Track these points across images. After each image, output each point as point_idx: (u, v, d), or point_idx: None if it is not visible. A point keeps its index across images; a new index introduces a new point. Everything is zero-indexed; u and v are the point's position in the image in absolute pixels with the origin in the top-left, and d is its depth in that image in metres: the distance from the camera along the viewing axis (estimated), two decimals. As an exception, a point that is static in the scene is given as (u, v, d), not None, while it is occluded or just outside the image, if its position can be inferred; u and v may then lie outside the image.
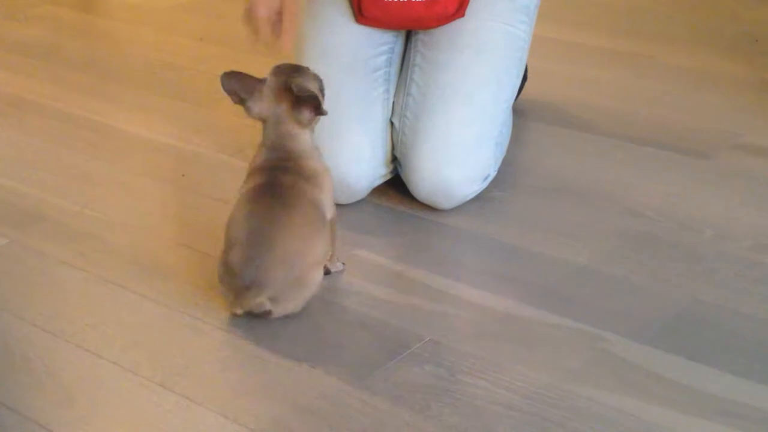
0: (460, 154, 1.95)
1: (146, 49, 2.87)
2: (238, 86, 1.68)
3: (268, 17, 1.78)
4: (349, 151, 1.95)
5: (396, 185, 2.06)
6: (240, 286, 1.61)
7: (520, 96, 2.40)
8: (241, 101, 1.69)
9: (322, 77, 1.75)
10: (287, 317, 1.65)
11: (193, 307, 1.72)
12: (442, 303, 1.72)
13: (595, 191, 2.08)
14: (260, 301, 1.62)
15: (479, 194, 2.01)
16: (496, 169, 2.05)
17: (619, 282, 1.76)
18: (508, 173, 2.09)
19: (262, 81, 1.70)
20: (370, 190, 2.04)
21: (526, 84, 2.40)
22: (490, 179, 2.04)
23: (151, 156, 2.26)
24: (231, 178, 2.15)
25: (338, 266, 1.81)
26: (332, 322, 1.68)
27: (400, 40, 2.08)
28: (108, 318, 1.69)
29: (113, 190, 2.12)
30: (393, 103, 2.04)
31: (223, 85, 1.68)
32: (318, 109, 1.66)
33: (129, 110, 2.49)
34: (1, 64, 2.83)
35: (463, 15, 1.99)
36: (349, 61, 1.98)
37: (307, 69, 1.74)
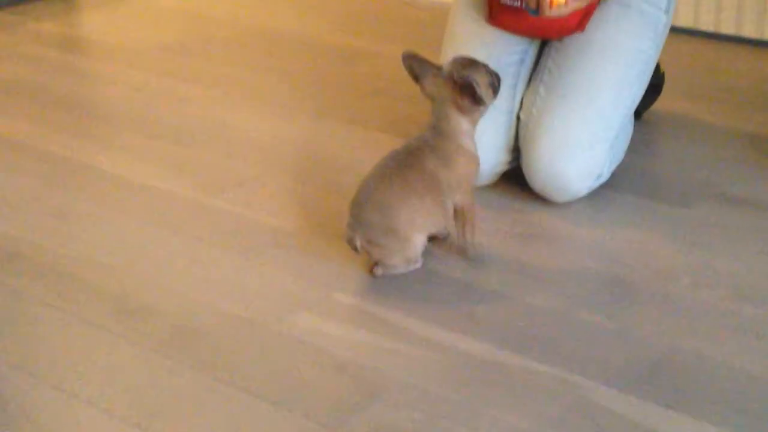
0: (575, 151, 2.12)
1: (129, 89, 2.87)
2: (416, 65, 1.92)
3: None
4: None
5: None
6: (347, 224, 1.89)
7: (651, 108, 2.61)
8: (416, 78, 1.92)
9: None
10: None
11: (170, 348, 1.71)
12: (420, 346, 1.72)
13: (573, 237, 2.09)
14: (351, 237, 1.87)
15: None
16: (610, 170, 2.22)
17: (598, 328, 1.77)
18: (490, 218, 2.10)
19: (438, 67, 1.92)
20: (493, 175, 2.23)
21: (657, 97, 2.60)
22: (603, 179, 2.21)
23: (132, 195, 2.26)
24: (211, 218, 2.15)
25: (474, 255, 1.96)
26: (309, 365, 1.67)
27: (535, 45, 2.28)
28: (84, 358, 1.69)
29: (92, 229, 2.12)
30: (522, 99, 2.23)
31: (403, 60, 1.92)
32: (475, 98, 1.88)
33: (110, 149, 2.49)
34: (-18, 102, 2.83)
35: (583, 30, 2.18)
36: (482, 55, 2.09)
37: (484, 65, 1.94)
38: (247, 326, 1.78)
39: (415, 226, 1.89)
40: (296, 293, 1.88)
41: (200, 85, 2.89)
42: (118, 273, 1.95)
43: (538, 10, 2.02)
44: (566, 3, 2.00)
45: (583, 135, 2.14)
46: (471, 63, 1.94)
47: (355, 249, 1.89)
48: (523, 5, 2.05)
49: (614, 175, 2.24)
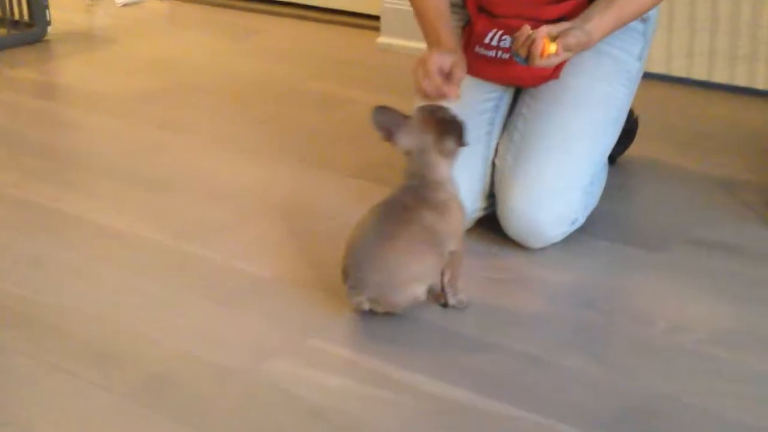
0: (550, 198, 2.14)
1: (105, 137, 2.87)
2: (388, 119, 1.90)
3: (439, 68, 2.03)
4: None
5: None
6: (348, 286, 1.86)
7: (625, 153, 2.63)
8: (389, 135, 1.90)
9: None
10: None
11: (146, 396, 1.70)
12: (397, 392, 1.71)
13: (549, 282, 2.09)
14: (359, 301, 1.86)
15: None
16: (585, 216, 2.23)
17: (574, 373, 1.77)
18: (466, 264, 2.10)
19: (408, 116, 1.91)
20: (470, 221, 2.22)
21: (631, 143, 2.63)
22: (578, 224, 2.22)
23: (108, 243, 2.26)
24: (187, 265, 2.14)
25: (459, 300, 1.96)
26: (286, 411, 1.67)
27: (510, 92, 2.30)
28: (59, 406, 1.68)
29: (69, 277, 2.11)
30: (498, 146, 2.24)
31: (374, 118, 1.90)
32: (461, 139, 1.90)
33: (86, 197, 2.49)
34: (-43, 149, 2.83)
35: (558, 77, 2.20)
36: (458, 102, 2.09)
37: (450, 110, 1.94)
38: (223, 373, 1.77)
39: (421, 281, 1.89)
40: (273, 339, 1.88)
41: (176, 133, 2.89)
42: (94, 321, 1.94)
43: (528, 59, 2.03)
44: (557, 53, 2.01)
45: (558, 182, 2.15)
46: (441, 108, 1.95)
47: (364, 310, 1.89)
48: (512, 54, 2.06)
49: (589, 220, 2.25)
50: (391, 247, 1.85)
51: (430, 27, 2.20)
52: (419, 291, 1.89)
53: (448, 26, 2.19)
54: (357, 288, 1.86)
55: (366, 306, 1.87)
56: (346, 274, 1.88)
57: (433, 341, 1.88)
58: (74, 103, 3.20)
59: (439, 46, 2.15)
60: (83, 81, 3.38)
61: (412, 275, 1.87)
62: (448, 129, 1.90)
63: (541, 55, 1.99)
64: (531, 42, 1.99)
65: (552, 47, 1.99)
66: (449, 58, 2.06)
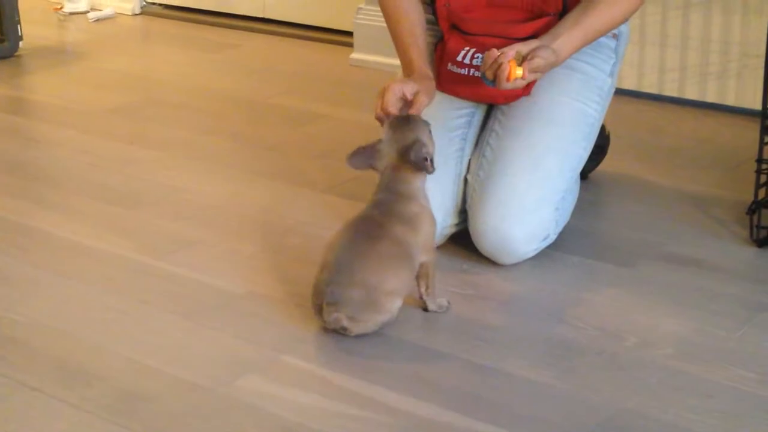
0: (521, 214, 2.14)
1: (74, 152, 2.86)
2: (363, 159, 1.95)
3: (401, 96, 2.04)
4: None
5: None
6: (324, 303, 1.86)
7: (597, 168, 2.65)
8: (369, 168, 1.96)
9: None
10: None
11: (115, 413, 1.69)
12: (368, 409, 1.71)
13: (520, 298, 2.10)
14: (337, 318, 1.86)
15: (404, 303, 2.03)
16: (557, 231, 2.23)
17: (544, 389, 1.77)
18: (438, 280, 2.10)
19: (378, 141, 1.95)
20: (442, 237, 2.22)
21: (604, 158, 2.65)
22: (550, 240, 2.22)
23: (77, 259, 2.24)
24: (157, 281, 2.14)
25: (438, 304, 2.00)
26: (257, 429, 1.66)
27: (482, 108, 2.30)
28: (29, 425, 1.66)
29: (37, 293, 2.10)
30: (470, 162, 2.25)
31: (351, 164, 1.96)
32: (427, 169, 1.92)
33: (55, 213, 2.48)
34: (-73, 164, 2.81)
35: (529, 93, 2.21)
36: (429, 119, 2.08)
37: (418, 117, 1.99)
38: (193, 390, 1.77)
39: (395, 295, 1.90)
40: (244, 356, 1.87)
41: (146, 148, 2.88)
42: (63, 337, 1.93)
43: (495, 81, 2.04)
44: (523, 77, 2.02)
45: (529, 198, 2.16)
46: (408, 120, 1.97)
47: (342, 329, 1.87)
48: (480, 75, 2.07)
49: (561, 236, 2.25)
50: (367, 263, 1.86)
51: (403, 52, 2.22)
52: (396, 305, 1.90)
53: (421, 51, 2.21)
54: (335, 305, 1.86)
55: (344, 323, 1.87)
56: (319, 292, 1.88)
57: (406, 357, 1.88)
58: (45, 118, 3.19)
59: (411, 71, 2.17)
60: (54, 96, 3.37)
61: (389, 289, 1.88)
62: (408, 156, 1.92)
63: (508, 79, 2.01)
64: (497, 66, 2.01)
65: (518, 71, 2.01)
66: (412, 86, 2.06)
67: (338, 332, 1.88)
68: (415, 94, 2.06)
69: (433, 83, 2.16)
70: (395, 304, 1.90)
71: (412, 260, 1.92)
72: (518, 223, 2.14)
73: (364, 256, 1.87)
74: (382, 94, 2.04)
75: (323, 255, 1.91)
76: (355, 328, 1.88)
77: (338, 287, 1.85)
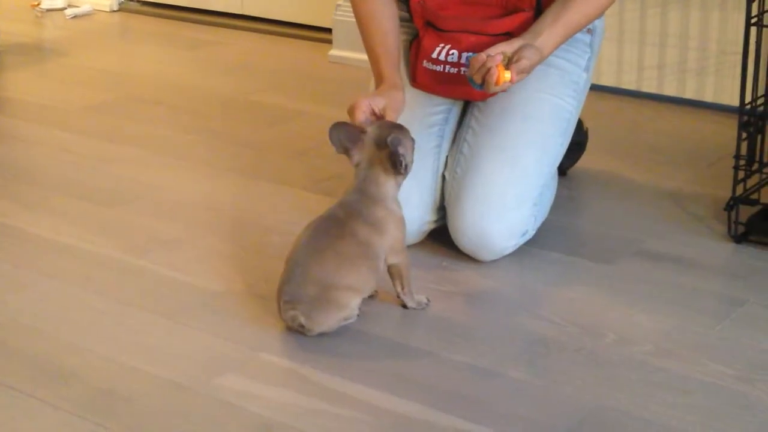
0: (499, 210, 2.15)
1: (53, 150, 2.85)
2: (345, 135, 1.93)
3: (370, 111, 2.02)
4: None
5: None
6: (282, 300, 1.87)
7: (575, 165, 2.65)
8: (345, 151, 1.94)
9: None
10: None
11: (94, 413, 1.69)
12: (348, 406, 1.71)
13: (499, 294, 2.10)
14: (293, 315, 1.86)
15: (383, 300, 2.02)
16: (535, 227, 2.24)
17: (524, 386, 1.77)
18: (417, 277, 2.10)
19: (363, 132, 1.94)
20: (420, 234, 2.24)
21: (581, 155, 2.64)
22: (528, 236, 2.22)
23: (56, 258, 2.24)
24: (136, 279, 2.13)
25: (417, 301, 2.00)
26: (236, 427, 1.66)
27: (458, 104, 2.30)
28: (5, 425, 1.66)
29: (15, 292, 2.09)
30: (447, 158, 2.25)
31: (331, 135, 1.93)
32: (398, 167, 1.91)
33: (34, 211, 2.47)
34: None
35: (505, 90, 2.12)
36: (406, 116, 2.12)
37: (407, 130, 1.97)
38: (172, 389, 1.76)
39: (352, 293, 1.89)
40: (223, 354, 1.87)
41: (126, 146, 2.87)
42: (41, 336, 1.93)
43: (483, 85, 2.02)
44: (512, 80, 2.02)
45: (507, 194, 2.16)
46: (398, 127, 1.96)
47: (300, 327, 1.87)
48: (468, 78, 2.06)
49: (540, 233, 2.26)
50: (322, 260, 1.87)
51: (374, 61, 2.21)
52: (354, 302, 1.89)
53: (392, 60, 2.19)
54: (291, 303, 1.86)
55: (301, 320, 1.86)
56: (279, 289, 1.89)
57: (384, 355, 1.88)
58: (22, 116, 3.17)
59: (381, 81, 2.17)
60: (32, 93, 3.35)
61: (346, 285, 1.88)
62: (392, 156, 1.91)
63: (497, 82, 2.00)
64: (486, 71, 2.00)
65: (507, 75, 2.00)
66: (380, 101, 2.05)
67: (298, 331, 1.88)
68: (384, 108, 2.04)
69: (402, 94, 2.13)
70: (353, 300, 1.89)
71: (376, 260, 1.91)
72: (497, 219, 2.15)
73: (320, 253, 1.87)
74: (352, 111, 2.03)
75: (288, 254, 1.91)
76: (314, 326, 1.88)
77: (293, 285, 1.86)
